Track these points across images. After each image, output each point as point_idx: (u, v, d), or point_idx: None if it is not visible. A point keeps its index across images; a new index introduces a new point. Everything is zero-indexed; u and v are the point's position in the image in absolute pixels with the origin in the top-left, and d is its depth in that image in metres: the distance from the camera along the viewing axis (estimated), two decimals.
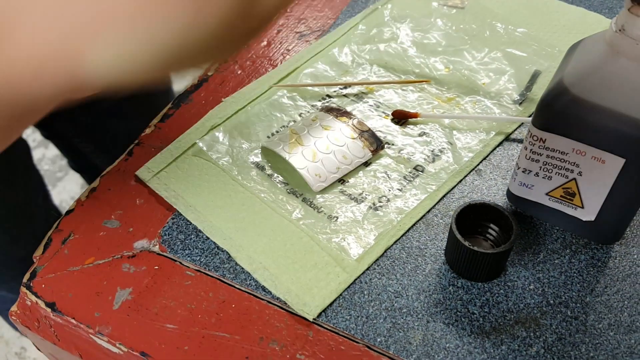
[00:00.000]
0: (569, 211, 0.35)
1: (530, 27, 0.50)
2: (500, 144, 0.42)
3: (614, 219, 0.34)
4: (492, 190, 0.39)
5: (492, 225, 0.35)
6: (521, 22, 0.50)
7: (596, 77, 0.30)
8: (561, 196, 0.35)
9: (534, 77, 0.46)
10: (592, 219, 0.35)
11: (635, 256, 0.36)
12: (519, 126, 0.43)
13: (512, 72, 0.46)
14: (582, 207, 0.35)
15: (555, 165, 0.34)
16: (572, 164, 0.33)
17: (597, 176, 0.32)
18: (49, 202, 0.69)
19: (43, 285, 0.36)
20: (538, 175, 0.35)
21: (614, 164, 0.31)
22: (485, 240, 0.36)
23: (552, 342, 0.32)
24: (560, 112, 0.31)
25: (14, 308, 0.37)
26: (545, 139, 0.33)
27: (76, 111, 0.58)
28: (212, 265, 0.36)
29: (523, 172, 0.35)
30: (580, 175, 0.33)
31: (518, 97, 0.45)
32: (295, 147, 0.40)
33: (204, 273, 0.36)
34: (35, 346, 0.41)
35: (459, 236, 0.33)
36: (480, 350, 0.32)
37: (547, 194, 0.35)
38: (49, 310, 0.35)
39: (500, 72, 0.46)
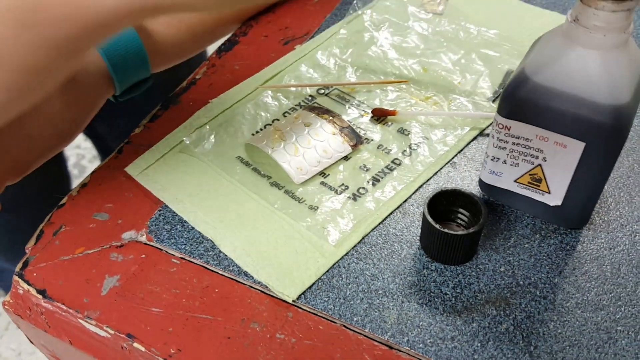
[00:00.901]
0: (537, 197, 0.37)
1: (504, 30, 0.52)
2: (474, 138, 0.44)
3: (579, 203, 0.36)
4: (465, 181, 0.41)
5: (463, 211, 0.37)
6: (495, 25, 0.52)
7: (555, 65, 0.32)
8: (528, 182, 0.37)
9: (507, 75, 0.48)
10: (559, 203, 0.36)
11: (603, 240, 0.37)
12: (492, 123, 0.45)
13: (486, 72, 0.48)
14: (549, 193, 0.36)
15: (521, 152, 0.35)
16: (537, 150, 0.35)
17: (561, 161, 0.34)
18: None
19: (35, 274, 0.37)
20: (506, 163, 0.36)
21: (575, 148, 0.33)
22: (457, 225, 0.37)
23: (522, 319, 0.33)
24: (523, 100, 0.33)
25: (7, 298, 0.38)
26: (510, 127, 0.34)
27: (115, 113, 0.61)
28: (196, 253, 0.37)
29: (492, 160, 0.37)
30: (545, 161, 0.35)
31: (491, 95, 0.47)
32: (278, 143, 0.42)
33: (189, 260, 0.37)
34: (29, 339, 0.42)
35: (430, 220, 0.34)
36: (452, 327, 0.33)
37: (515, 180, 0.37)
38: (40, 297, 0.36)
39: (474, 72, 0.49)
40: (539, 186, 0.36)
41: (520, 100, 0.33)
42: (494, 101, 0.46)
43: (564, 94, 0.32)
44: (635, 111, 0.32)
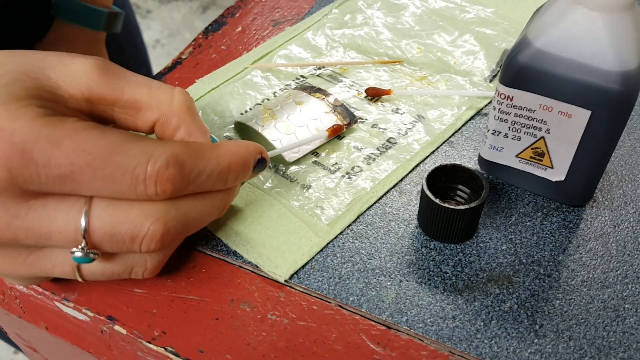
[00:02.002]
0: (539, 172, 0.35)
1: (501, 8, 0.51)
2: (472, 118, 0.43)
3: (583, 177, 0.34)
4: (464, 159, 0.40)
5: (463, 187, 0.35)
6: (491, 3, 0.51)
7: (558, 29, 0.30)
8: (531, 157, 0.35)
9: (504, 54, 0.47)
10: (562, 178, 0.35)
11: (607, 218, 0.36)
12: (490, 102, 0.43)
13: (483, 51, 0.47)
14: (552, 167, 0.35)
15: (523, 125, 0.34)
16: (540, 121, 0.33)
17: (565, 132, 0.33)
18: None
19: None
20: (507, 137, 0.35)
21: (580, 117, 0.32)
22: (457, 203, 0.36)
23: (525, 298, 0.32)
24: (525, 66, 0.31)
25: None
26: (513, 97, 0.33)
27: None
28: None
29: (493, 134, 0.35)
30: (548, 132, 0.33)
31: (489, 74, 0.45)
32: (269, 121, 0.40)
33: None
34: (1, 329, 0.40)
35: (430, 195, 0.33)
36: (453, 306, 0.31)
37: (517, 155, 0.36)
38: None
39: (471, 51, 0.47)
40: (541, 161, 0.35)
41: (522, 68, 0.32)
42: (491, 80, 0.45)
43: (569, 59, 0.30)
44: None
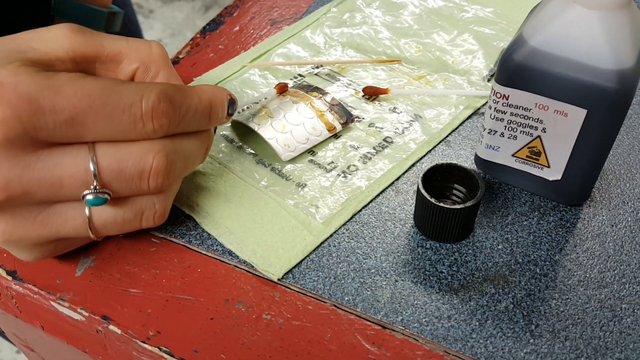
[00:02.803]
0: (536, 172, 0.35)
1: (500, 7, 0.51)
2: (469, 117, 0.42)
3: (580, 176, 0.34)
4: (461, 159, 0.39)
5: (459, 187, 0.35)
6: (490, 3, 0.51)
7: (554, 27, 0.30)
8: (527, 156, 0.35)
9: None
10: (559, 177, 0.35)
11: (604, 217, 0.36)
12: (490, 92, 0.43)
13: (482, 50, 0.47)
14: (548, 167, 0.35)
15: (519, 124, 0.34)
16: (536, 120, 0.33)
17: (561, 131, 0.33)
18: None
19: (5, 255, 0.35)
20: (503, 136, 0.35)
21: (577, 116, 0.31)
22: (453, 203, 0.35)
23: (521, 297, 0.32)
24: (521, 65, 0.31)
25: None
26: (509, 96, 0.33)
27: None
28: (178, 232, 0.35)
29: (489, 133, 0.35)
30: (545, 132, 0.33)
31: (487, 74, 0.45)
32: (265, 119, 0.40)
33: (170, 240, 0.35)
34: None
35: (425, 194, 0.33)
36: (448, 306, 0.31)
37: (513, 155, 0.35)
38: (10, 279, 0.34)
39: (470, 50, 0.47)
40: (538, 160, 0.35)
41: (518, 66, 0.31)
42: (489, 80, 0.45)
43: (565, 58, 0.30)
44: (639, 75, 0.30)
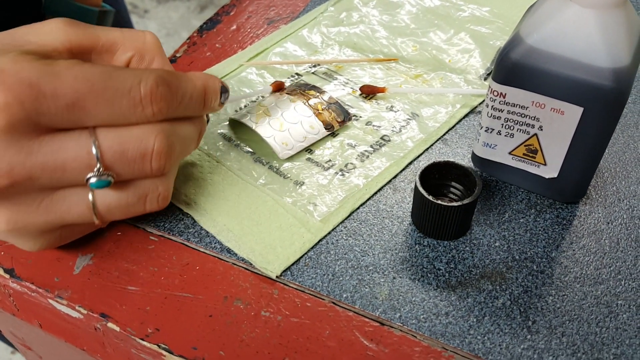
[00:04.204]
0: (532, 169, 0.36)
1: (496, 7, 0.51)
2: (466, 116, 0.43)
3: (576, 174, 0.34)
4: (458, 157, 0.40)
5: (456, 185, 0.35)
6: (487, 2, 0.51)
7: (550, 26, 0.31)
8: (524, 154, 0.35)
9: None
10: (555, 175, 0.35)
11: (600, 215, 0.36)
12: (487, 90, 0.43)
13: (478, 49, 0.47)
14: (545, 164, 0.35)
15: (516, 122, 0.34)
16: (533, 118, 0.33)
17: (558, 129, 0.33)
18: None
19: (2, 253, 0.35)
20: (500, 134, 0.35)
21: (573, 113, 0.32)
22: (450, 200, 0.36)
23: (519, 294, 0.32)
24: (518, 64, 0.32)
25: None
26: (506, 94, 0.33)
27: None
28: (176, 230, 0.35)
29: (486, 131, 0.35)
30: (541, 130, 0.33)
31: (484, 72, 0.45)
32: (263, 118, 0.40)
33: (168, 238, 0.35)
34: None
35: (423, 192, 0.33)
36: (446, 303, 0.32)
37: (510, 153, 0.36)
38: (7, 276, 0.34)
39: (466, 49, 0.47)
40: (534, 158, 0.35)
41: (515, 65, 0.32)
42: (486, 79, 0.45)
43: (561, 56, 0.30)
44: (634, 74, 0.30)
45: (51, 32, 0.30)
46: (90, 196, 0.30)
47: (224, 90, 0.34)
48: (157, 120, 0.30)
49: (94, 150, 0.28)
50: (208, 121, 0.36)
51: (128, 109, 0.28)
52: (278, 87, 0.43)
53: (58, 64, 0.27)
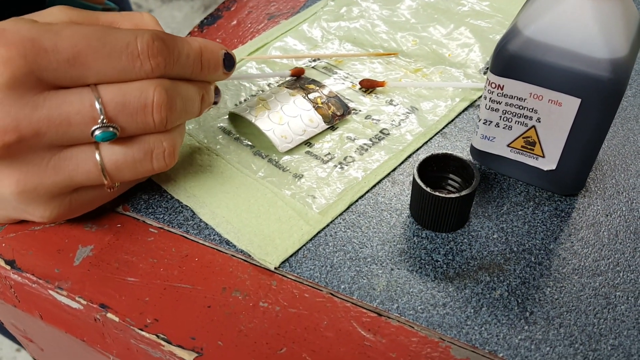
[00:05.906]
0: (531, 162, 0.36)
1: (496, 1, 0.51)
2: (465, 109, 0.43)
3: (574, 166, 0.34)
4: (457, 150, 0.40)
5: (454, 177, 0.35)
6: None
7: (548, 17, 0.31)
8: (522, 146, 0.35)
9: None
10: (553, 167, 0.35)
11: (599, 207, 0.36)
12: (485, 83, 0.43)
13: (478, 43, 0.47)
14: (543, 157, 0.35)
15: (514, 114, 0.34)
16: (531, 110, 0.33)
17: (555, 121, 0.33)
18: None
19: (3, 245, 0.35)
20: (499, 126, 0.35)
21: (571, 105, 0.32)
22: (448, 192, 0.36)
23: (516, 285, 0.32)
24: (515, 55, 0.32)
25: None
26: (503, 86, 0.33)
27: None
28: (175, 222, 0.35)
29: (484, 123, 0.35)
30: (539, 121, 0.33)
31: (483, 66, 0.45)
32: (262, 111, 0.40)
33: (167, 230, 0.35)
34: (2, 324, 0.40)
35: (421, 183, 0.33)
36: (443, 294, 0.32)
37: (508, 145, 0.36)
38: (8, 268, 0.34)
39: (466, 43, 0.47)
40: (532, 150, 0.35)
41: (512, 56, 0.32)
42: (485, 73, 0.45)
43: (558, 47, 0.30)
44: (632, 64, 0.30)
45: (53, 14, 0.31)
46: (97, 155, 0.30)
47: (228, 56, 0.34)
48: (155, 76, 0.30)
49: (96, 104, 0.29)
50: (218, 98, 0.37)
51: (127, 63, 0.29)
52: (298, 73, 0.43)
53: (57, 24, 0.29)
